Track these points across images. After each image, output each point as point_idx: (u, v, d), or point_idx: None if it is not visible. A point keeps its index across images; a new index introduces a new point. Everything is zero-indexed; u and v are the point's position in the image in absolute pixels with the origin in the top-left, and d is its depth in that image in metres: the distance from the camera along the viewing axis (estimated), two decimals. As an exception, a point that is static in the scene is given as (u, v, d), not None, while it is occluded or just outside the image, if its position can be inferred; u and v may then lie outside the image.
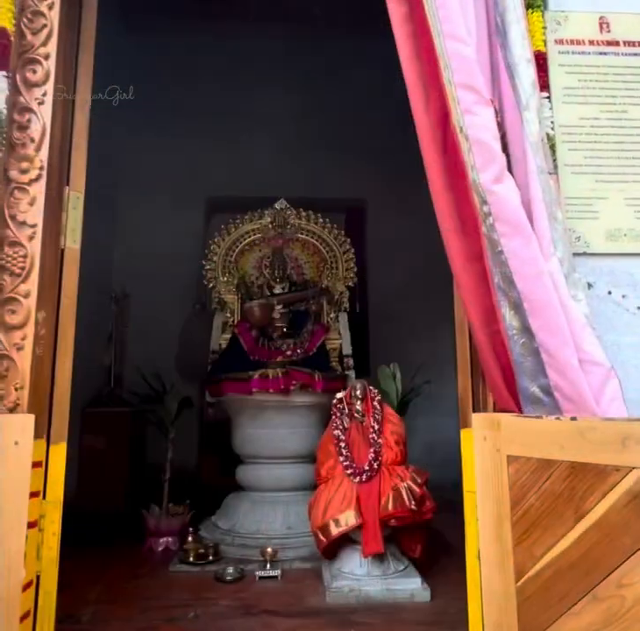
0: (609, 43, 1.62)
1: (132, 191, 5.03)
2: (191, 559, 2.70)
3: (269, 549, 2.63)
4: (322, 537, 2.37)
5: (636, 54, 1.62)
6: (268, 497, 3.05)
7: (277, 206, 3.62)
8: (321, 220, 3.66)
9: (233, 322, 3.46)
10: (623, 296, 1.51)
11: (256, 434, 3.09)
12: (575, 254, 1.49)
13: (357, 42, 4.47)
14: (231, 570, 2.58)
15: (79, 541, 2.99)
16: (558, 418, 1.24)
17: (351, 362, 3.49)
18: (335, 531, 2.33)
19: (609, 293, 1.51)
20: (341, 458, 2.46)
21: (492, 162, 1.32)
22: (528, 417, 1.33)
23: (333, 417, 2.60)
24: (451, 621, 2.04)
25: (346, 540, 2.45)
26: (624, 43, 1.62)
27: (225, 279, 3.52)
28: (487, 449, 1.39)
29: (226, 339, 3.42)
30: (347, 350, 3.52)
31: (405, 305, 4.87)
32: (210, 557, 2.72)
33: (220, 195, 5.07)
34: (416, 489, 2.37)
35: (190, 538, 2.81)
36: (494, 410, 1.48)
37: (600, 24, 1.62)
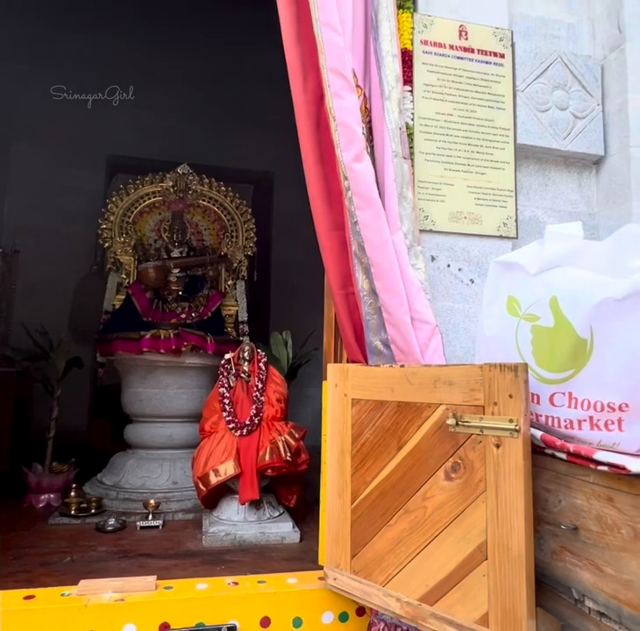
0: (466, 49, 1.85)
1: (28, 143, 4.75)
2: (72, 512, 2.73)
3: (152, 501, 2.73)
4: (202, 486, 2.52)
5: (487, 62, 1.87)
6: (155, 454, 3.14)
7: (180, 171, 3.63)
8: (223, 188, 3.72)
9: (128, 283, 3.45)
10: (460, 269, 1.77)
11: (146, 393, 3.15)
12: (423, 231, 1.73)
13: (268, 13, 4.51)
14: (112, 521, 2.65)
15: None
16: (391, 366, 1.47)
17: (246, 328, 3.63)
18: (214, 480, 2.49)
19: (448, 266, 1.77)
20: (224, 414, 2.61)
21: (353, 143, 1.50)
22: (369, 366, 1.55)
23: (220, 376, 2.73)
24: (312, 557, 2.28)
25: (227, 490, 2.62)
26: (478, 51, 1.86)
27: (122, 239, 3.49)
28: (337, 394, 1.60)
29: (120, 300, 3.42)
30: (243, 316, 3.65)
31: (306, 276, 5.05)
32: (92, 510, 2.77)
33: (124, 155, 4.93)
34: (293, 442, 2.58)
35: (73, 493, 2.84)
36: (348, 363, 1.69)
37: (460, 32, 1.85)
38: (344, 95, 1.52)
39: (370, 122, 1.64)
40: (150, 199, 3.60)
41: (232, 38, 4.96)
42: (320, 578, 1.66)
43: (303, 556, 2.38)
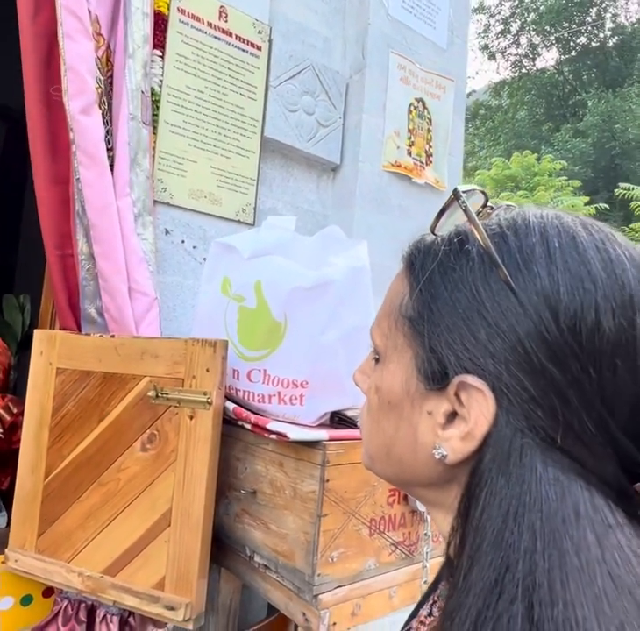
0: (224, 31, 1.87)
1: None
2: None
3: None
4: None
5: (244, 50, 1.92)
6: None
7: None
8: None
9: None
10: (194, 247, 1.80)
11: None
12: (159, 202, 1.70)
13: None
14: None
15: None
16: (101, 335, 1.41)
17: (-29, 287, 3.11)
18: None
19: (183, 241, 1.78)
20: None
21: (82, 93, 1.39)
22: (79, 334, 1.46)
23: None
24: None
25: None
26: (237, 37, 1.90)
27: None
28: (41, 363, 1.47)
29: None
30: (-31, 273, 3.12)
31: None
32: None
33: None
34: (8, 417, 2.29)
35: None
36: (60, 330, 1.57)
37: (220, 13, 1.86)
38: (78, 38, 1.39)
39: (111, 77, 1.54)
40: None
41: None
42: (3, 563, 1.52)
43: (2, 541, 2.15)
